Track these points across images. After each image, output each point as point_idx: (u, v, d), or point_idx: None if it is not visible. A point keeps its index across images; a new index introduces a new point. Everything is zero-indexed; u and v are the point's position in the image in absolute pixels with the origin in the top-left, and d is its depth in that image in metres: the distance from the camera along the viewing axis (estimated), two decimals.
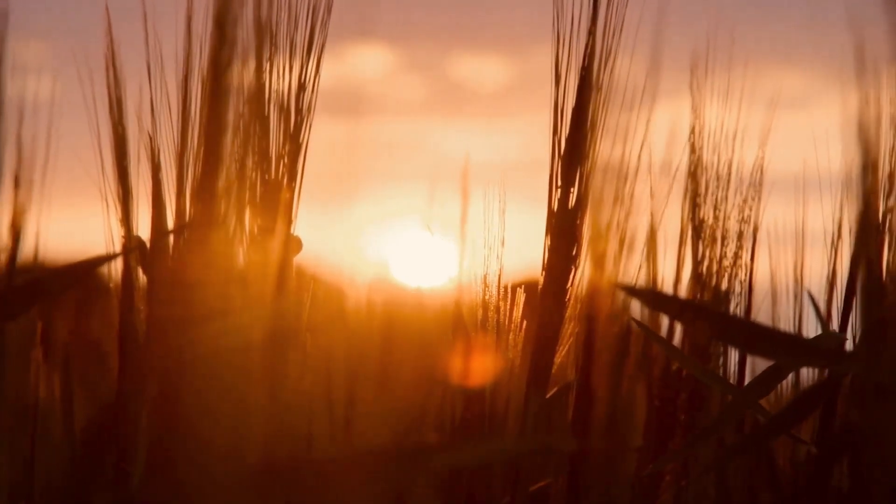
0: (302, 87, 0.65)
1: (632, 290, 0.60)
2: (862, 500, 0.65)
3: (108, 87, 0.65)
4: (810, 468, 0.68)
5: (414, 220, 0.71)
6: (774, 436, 0.70)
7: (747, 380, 0.74)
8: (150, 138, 0.64)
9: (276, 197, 0.63)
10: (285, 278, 0.61)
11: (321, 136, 0.66)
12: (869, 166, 0.49)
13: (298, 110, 0.65)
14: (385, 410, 0.64)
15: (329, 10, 0.65)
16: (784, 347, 0.59)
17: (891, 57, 0.50)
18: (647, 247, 0.69)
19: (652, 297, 0.62)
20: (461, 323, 0.71)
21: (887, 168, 0.64)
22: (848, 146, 0.51)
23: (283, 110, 0.64)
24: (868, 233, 0.49)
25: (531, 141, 0.71)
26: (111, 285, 0.66)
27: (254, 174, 0.62)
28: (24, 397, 0.73)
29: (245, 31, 0.55)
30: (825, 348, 0.64)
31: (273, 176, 0.64)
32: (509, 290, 0.72)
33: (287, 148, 0.64)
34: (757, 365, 0.72)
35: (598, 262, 0.62)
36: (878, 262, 0.53)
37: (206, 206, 0.54)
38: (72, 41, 0.67)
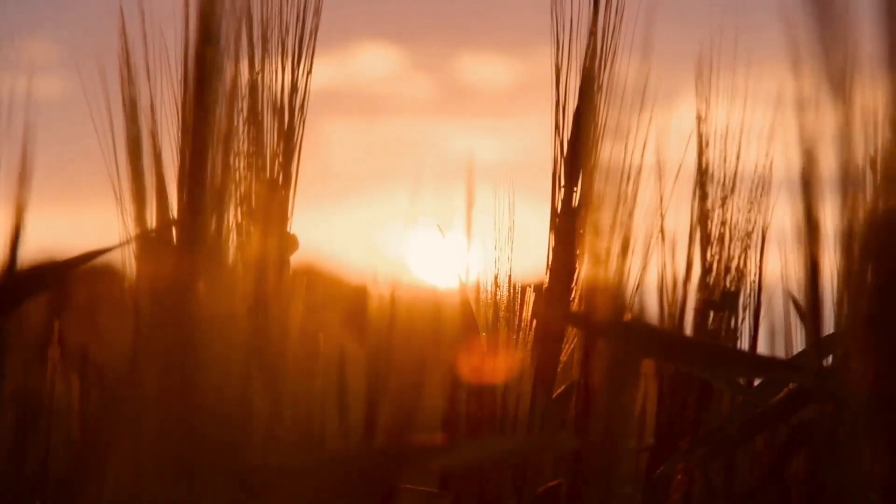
0: (295, 86, 0.65)
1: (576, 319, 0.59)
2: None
3: (122, 86, 0.65)
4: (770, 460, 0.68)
5: (424, 220, 0.71)
6: (766, 427, 0.70)
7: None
8: (153, 136, 0.64)
9: (272, 196, 0.64)
10: (282, 276, 0.61)
11: (329, 135, 0.66)
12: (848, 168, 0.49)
13: (292, 109, 0.65)
14: (394, 409, 0.64)
15: (319, 7, 0.65)
16: (735, 364, 0.60)
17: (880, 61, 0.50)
18: (655, 247, 0.69)
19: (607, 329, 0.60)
20: (472, 322, 0.72)
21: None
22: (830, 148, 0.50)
23: (277, 110, 0.65)
24: (810, 237, 0.49)
25: (543, 140, 0.71)
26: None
27: (249, 174, 0.63)
28: (38, 395, 0.74)
29: (236, 29, 0.55)
30: (773, 362, 0.64)
31: (269, 175, 0.64)
32: (519, 289, 0.72)
33: (282, 147, 0.64)
34: None
35: (599, 262, 0.62)
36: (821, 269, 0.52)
37: (201, 206, 0.55)
38: (82, 40, 0.67)
